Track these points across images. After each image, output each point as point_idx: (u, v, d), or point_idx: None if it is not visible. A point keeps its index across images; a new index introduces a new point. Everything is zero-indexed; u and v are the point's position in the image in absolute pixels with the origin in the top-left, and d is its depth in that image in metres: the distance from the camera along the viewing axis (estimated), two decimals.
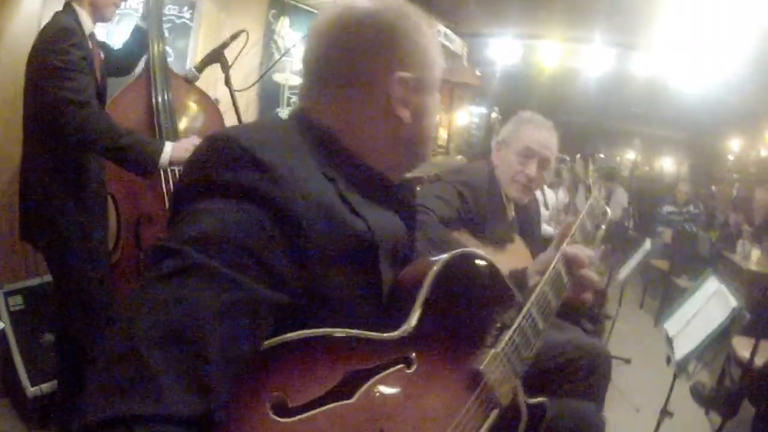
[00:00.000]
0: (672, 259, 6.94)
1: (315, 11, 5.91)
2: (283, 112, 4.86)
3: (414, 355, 1.08)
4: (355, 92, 1.19)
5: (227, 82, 2.73)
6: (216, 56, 2.71)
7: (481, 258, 1.29)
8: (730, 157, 11.87)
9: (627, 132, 13.56)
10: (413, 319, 1.09)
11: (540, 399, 1.42)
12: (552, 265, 1.54)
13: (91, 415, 0.73)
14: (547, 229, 4.72)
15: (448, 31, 7.89)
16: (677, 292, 5.70)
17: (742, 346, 3.42)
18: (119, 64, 3.03)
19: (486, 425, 1.20)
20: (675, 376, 2.76)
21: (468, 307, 1.26)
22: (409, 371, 1.07)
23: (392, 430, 0.98)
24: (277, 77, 5.04)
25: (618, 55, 7.88)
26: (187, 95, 3.07)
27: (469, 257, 1.27)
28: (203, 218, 0.92)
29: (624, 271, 5.22)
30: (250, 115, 4.91)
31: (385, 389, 1.00)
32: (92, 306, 2.52)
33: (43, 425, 2.96)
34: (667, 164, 14.25)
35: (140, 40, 3.03)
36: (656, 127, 12.05)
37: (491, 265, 1.30)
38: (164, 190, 2.82)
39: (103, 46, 2.89)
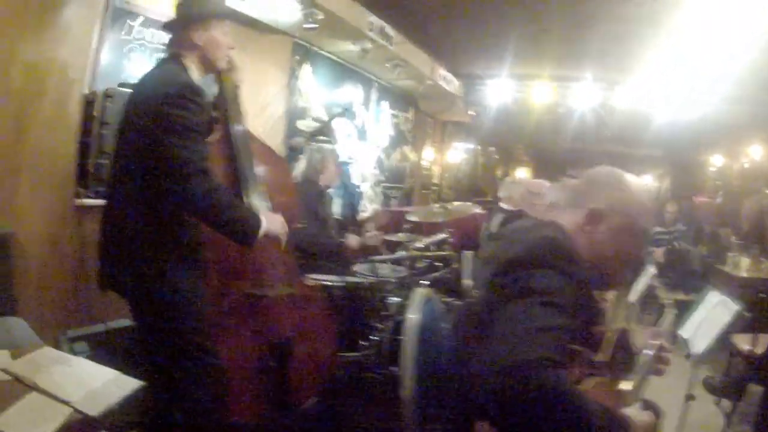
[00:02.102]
0: (667, 277, 7.00)
1: (337, 58, 6.03)
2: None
3: None
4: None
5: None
6: (324, 129, 2.67)
7: None
8: (712, 170, 12.03)
9: (607, 154, 13.69)
10: None
11: None
12: None
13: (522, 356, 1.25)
14: None
15: (448, 74, 8.08)
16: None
17: (742, 341, 3.95)
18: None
19: None
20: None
21: None
22: None
23: None
24: (300, 124, 5.06)
25: (603, 89, 8.13)
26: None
27: None
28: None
29: (634, 295, 5.26)
30: None
31: None
32: (189, 353, 2.32)
33: None
34: (648, 181, 14.33)
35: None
36: (636, 147, 12.24)
37: None
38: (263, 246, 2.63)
39: None
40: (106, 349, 3.12)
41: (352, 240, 4.23)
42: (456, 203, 5.25)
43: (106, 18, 3.53)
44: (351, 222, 5.24)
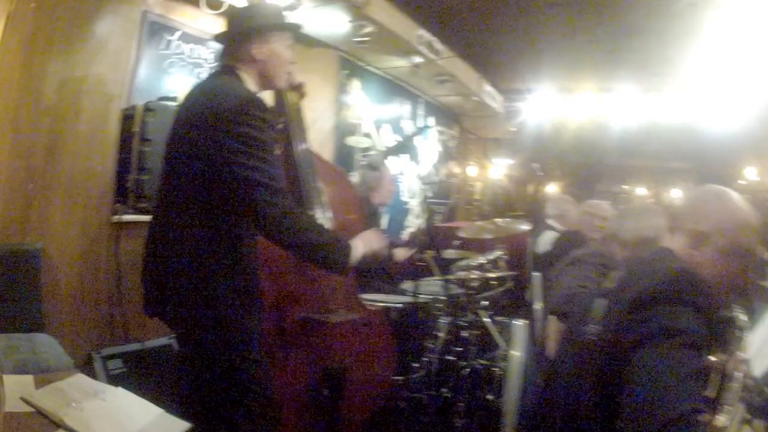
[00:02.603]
0: None
1: (384, 74, 5.94)
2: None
3: None
4: None
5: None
6: (404, 147, 2.52)
7: None
8: (742, 182, 11.66)
9: (637, 168, 13.54)
10: None
11: None
12: None
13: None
14: None
15: (492, 89, 7.95)
16: None
17: None
18: None
19: None
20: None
21: None
22: None
23: None
24: (350, 140, 4.95)
25: (640, 101, 7.93)
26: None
27: None
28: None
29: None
30: None
31: None
32: (240, 387, 2.08)
33: None
34: (676, 195, 13.97)
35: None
36: (665, 160, 12.00)
37: None
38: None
39: None
40: (142, 369, 3.04)
41: (399, 253, 4.09)
42: (506, 220, 5.03)
43: (142, 33, 3.50)
44: (397, 238, 5.11)
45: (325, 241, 2.09)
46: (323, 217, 2.48)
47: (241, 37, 2.21)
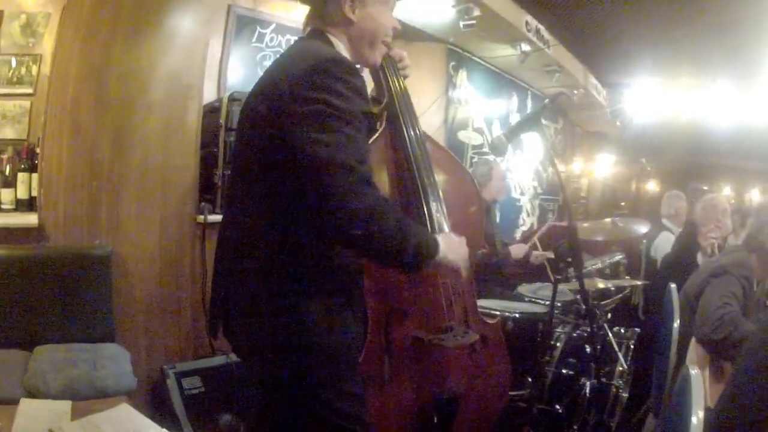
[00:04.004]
0: None
1: (492, 66, 5.61)
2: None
3: None
4: None
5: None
6: (533, 124, 2.12)
7: None
8: None
9: (721, 167, 13.06)
10: None
11: None
12: None
13: None
14: None
15: (597, 83, 7.59)
16: None
17: None
18: None
19: None
20: None
21: None
22: None
23: None
24: (461, 135, 4.60)
25: (735, 100, 7.57)
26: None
27: None
28: None
29: None
30: None
31: None
32: (333, 425, 1.59)
33: None
34: (756, 196, 13.19)
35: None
36: (746, 160, 11.27)
37: None
38: (437, 278, 2.04)
39: None
40: (224, 388, 2.73)
41: (518, 249, 3.71)
42: (622, 219, 4.56)
43: (228, 26, 3.32)
44: (510, 237, 4.77)
45: (410, 239, 1.55)
46: (440, 212, 2.01)
47: None
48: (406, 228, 1.53)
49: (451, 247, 1.73)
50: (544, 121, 7.23)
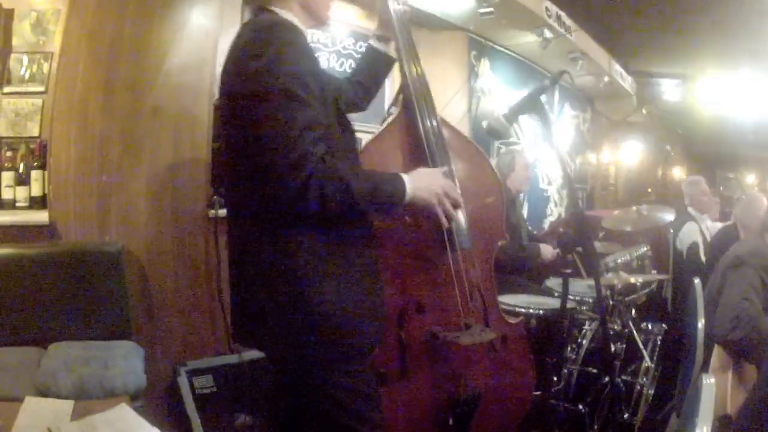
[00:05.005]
0: None
1: (515, 54, 5.48)
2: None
3: None
4: None
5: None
6: (533, 104, 2.00)
7: None
8: None
9: (744, 156, 13.00)
10: None
11: None
12: None
13: None
14: None
15: (622, 71, 7.40)
16: None
17: None
18: (350, 97, 2.04)
19: None
20: None
21: None
22: None
23: None
24: (485, 125, 4.49)
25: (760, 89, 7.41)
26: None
27: None
28: None
29: None
30: None
31: None
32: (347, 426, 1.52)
33: None
34: None
35: (377, 66, 2.13)
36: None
37: None
38: (452, 270, 1.93)
39: None
40: (236, 387, 2.65)
41: (547, 251, 3.56)
42: (648, 207, 4.41)
43: (243, 19, 3.16)
44: (539, 227, 4.65)
45: (374, 192, 1.49)
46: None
47: None
48: (356, 183, 1.44)
49: (421, 182, 1.61)
50: (572, 111, 7.17)
